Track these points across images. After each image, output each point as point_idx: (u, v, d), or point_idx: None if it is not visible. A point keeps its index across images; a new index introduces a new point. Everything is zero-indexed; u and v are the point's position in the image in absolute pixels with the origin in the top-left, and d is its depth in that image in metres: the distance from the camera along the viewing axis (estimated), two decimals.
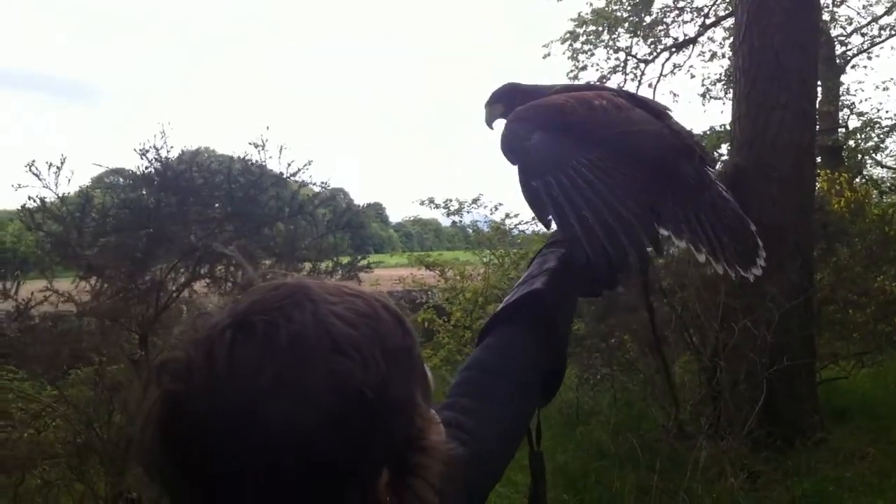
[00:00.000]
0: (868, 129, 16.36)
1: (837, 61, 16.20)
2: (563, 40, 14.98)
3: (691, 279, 6.48)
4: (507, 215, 12.64)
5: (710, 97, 16.23)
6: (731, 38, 9.88)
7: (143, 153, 4.74)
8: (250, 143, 4.98)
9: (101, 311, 4.45)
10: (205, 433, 0.75)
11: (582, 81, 9.89)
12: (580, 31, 14.91)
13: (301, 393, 0.75)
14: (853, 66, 16.60)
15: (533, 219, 12.36)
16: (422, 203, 13.14)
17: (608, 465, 5.90)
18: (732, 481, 5.12)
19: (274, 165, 4.99)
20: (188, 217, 4.75)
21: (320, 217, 5.31)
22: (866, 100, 19.16)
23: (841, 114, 16.44)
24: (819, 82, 9.10)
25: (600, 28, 14.86)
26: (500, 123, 1.74)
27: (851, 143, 16.42)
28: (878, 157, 17.08)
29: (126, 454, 4.10)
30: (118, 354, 4.50)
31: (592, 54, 15.04)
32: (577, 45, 15.01)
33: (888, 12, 15.65)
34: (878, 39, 16.16)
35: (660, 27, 15.00)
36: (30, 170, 4.42)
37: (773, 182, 6.42)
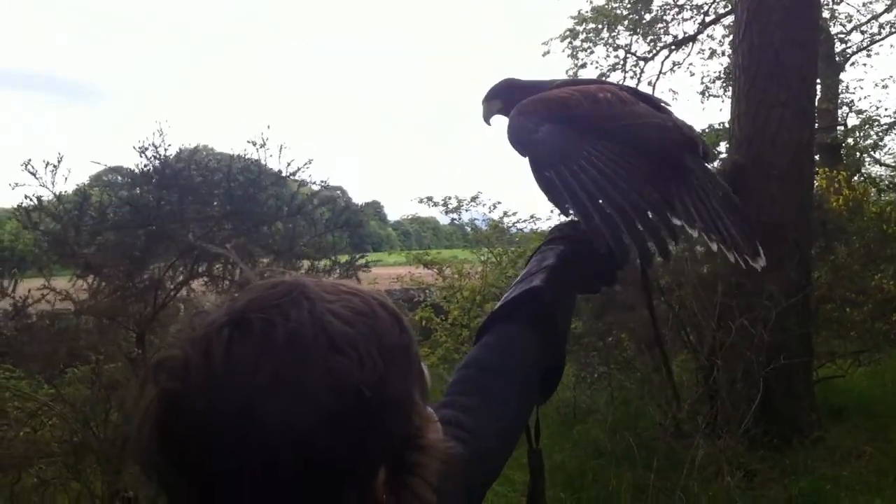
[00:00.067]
0: (867, 126, 16.37)
1: (837, 59, 16.21)
2: (563, 38, 14.99)
3: (688, 277, 6.48)
4: (506, 213, 12.65)
5: (710, 95, 16.25)
6: (731, 36, 9.89)
7: (143, 150, 4.74)
8: (249, 142, 4.98)
9: (98, 310, 4.45)
10: (202, 431, 0.75)
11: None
12: (580, 28, 14.92)
13: (299, 391, 0.75)
14: (852, 64, 16.62)
15: (532, 217, 12.41)
16: (420, 201, 13.14)
17: (605, 463, 5.90)
18: (729, 480, 5.13)
19: (274, 164, 5.00)
20: (186, 215, 4.74)
21: (319, 216, 5.31)
22: (865, 97, 19.16)
23: (840, 111, 16.46)
24: (818, 80, 9.10)
25: (600, 26, 14.87)
26: (498, 119, 1.74)
27: (850, 140, 16.43)
28: (877, 155, 17.09)
29: (123, 453, 4.10)
30: (115, 353, 4.50)
31: (592, 52, 15.07)
32: (577, 42, 15.03)
33: (888, 10, 15.67)
34: (877, 37, 16.18)
35: (659, 25, 15.02)
36: (26, 168, 4.41)
37: (772, 180, 6.42)
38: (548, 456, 1.41)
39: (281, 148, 4.98)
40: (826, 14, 15.13)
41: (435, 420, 0.92)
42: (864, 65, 16.49)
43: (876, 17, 15.96)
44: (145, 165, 4.81)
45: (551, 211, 11.07)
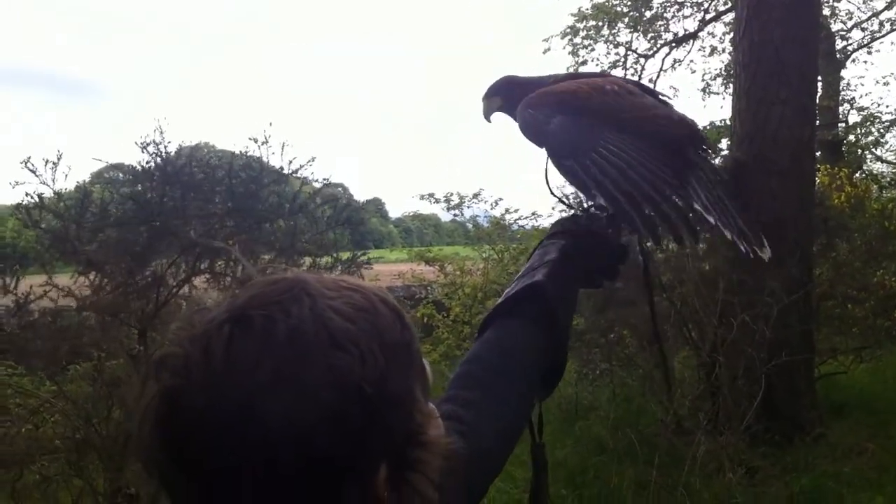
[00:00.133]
0: (868, 123, 16.34)
1: (837, 56, 16.18)
2: (564, 35, 14.98)
3: (690, 274, 6.48)
4: (507, 210, 12.65)
5: (710, 92, 16.23)
6: (732, 34, 9.88)
7: (145, 146, 4.75)
8: (251, 139, 4.99)
9: (100, 306, 4.46)
10: (202, 428, 0.75)
11: None
12: (580, 26, 14.91)
13: (300, 388, 0.75)
14: (853, 61, 16.58)
15: (533, 214, 12.42)
16: (422, 198, 13.14)
17: (607, 460, 5.90)
18: (731, 476, 5.12)
19: (276, 162, 5.01)
20: (188, 212, 4.75)
21: (320, 214, 5.32)
22: (866, 95, 19.15)
23: (841, 109, 16.43)
24: (819, 77, 9.09)
25: (600, 23, 14.86)
26: (498, 116, 1.74)
27: (851, 137, 16.40)
28: (878, 152, 17.05)
29: (125, 450, 4.11)
30: (117, 350, 4.50)
31: (592, 49, 15.06)
32: (578, 40, 15.01)
33: (888, 7, 15.63)
34: (878, 34, 16.15)
35: (660, 22, 15.01)
36: (26, 166, 4.42)
37: (773, 177, 6.41)
38: (549, 452, 1.41)
39: (283, 145, 4.99)
40: (826, 11, 15.11)
41: (436, 416, 0.92)
42: (865, 62, 16.45)
43: (876, 15, 15.94)
44: (147, 162, 4.81)
45: (552, 208, 11.08)
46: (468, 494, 1.10)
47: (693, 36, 14.93)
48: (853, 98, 16.61)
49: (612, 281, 1.55)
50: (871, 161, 17.04)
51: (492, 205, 12.79)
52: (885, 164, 17.15)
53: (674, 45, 14.97)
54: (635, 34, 15.08)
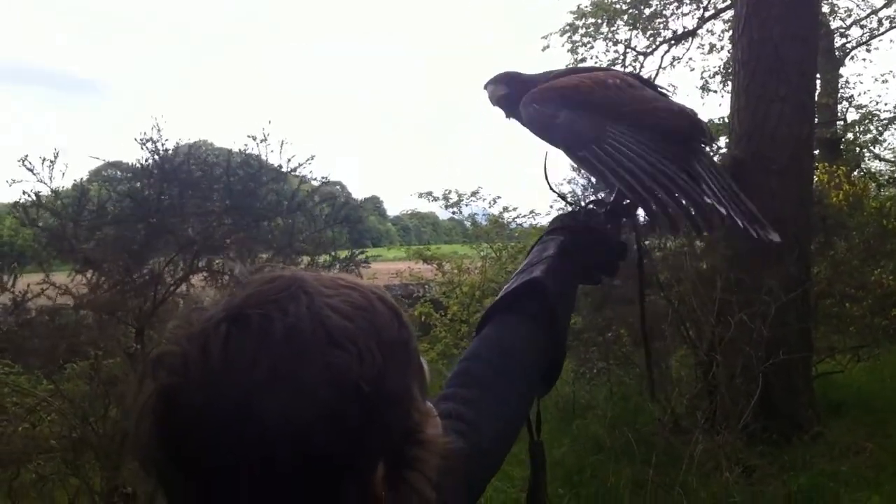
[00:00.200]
0: (867, 121, 16.36)
1: (836, 54, 16.20)
2: (563, 33, 14.99)
3: (687, 273, 6.48)
4: (506, 209, 12.64)
5: (709, 90, 16.24)
6: (731, 31, 9.88)
7: (144, 143, 4.74)
8: (249, 136, 4.98)
9: (97, 305, 4.44)
10: (199, 427, 0.74)
11: None
12: (579, 23, 14.91)
13: (297, 386, 0.74)
14: (852, 59, 16.61)
15: (532, 212, 12.42)
16: (420, 196, 13.13)
17: (604, 459, 5.91)
18: (728, 475, 5.13)
19: (274, 160, 5.00)
20: (186, 210, 4.74)
21: (318, 212, 5.31)
22: (865, 92, 19.13)
23: (840, 106, 16.45)
24: (818, 75, 9.10)
25: (599, 20, 14.87)
26: (499, 113, 1.73)
27: (850, 135, 16.42)
28: (877, 150, 17.08)
29: (122, 448, 4.10)
30: (115, 348, 4.50)
31: (592, 47, 15.09)
32: (577, 37, 15.02)
33: (887, 4, 15.65)
34: (877, 32, 16.17)
35: (659, 19, 15.03)
36: (23, 164, 4.41)
37: (771, 175, 6.42)
38: (547, 451, 1.41)
39: (282, 143, 4.99)
40: (826, 9, 15.13)
41: (434, 415, 0.91)
42: (864, 60, 16.48)
43: (875, 12, 15.96)
44: (146, 160, 4.81)
45: (550, 206, 11.09)
46: (467, 493, 1.09)
47: (692, 33, 14.95)
48: (852, 96, 16.64)
49: (612, 277, 1.55)
50: (869, 159, 17.09)
51: (490, 203, 12.80)
52: (883, 163, 17.20)
53: (673, 42, 15.00)
54: (634, 32, 15.12)
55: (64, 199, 4.66)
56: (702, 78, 16.33)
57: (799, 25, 6.64)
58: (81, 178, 5.63)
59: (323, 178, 5.36)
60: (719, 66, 15.95)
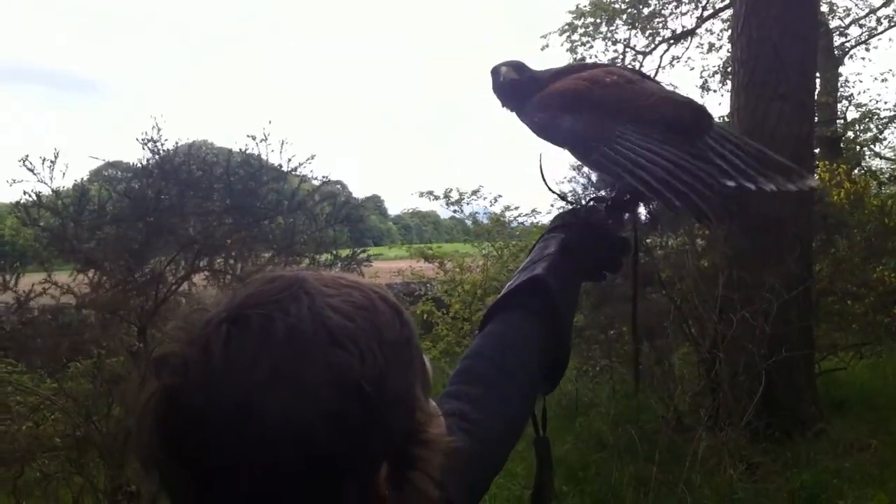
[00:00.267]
0: (866, 120, 16.38)
1: (836, 52, 16.20)
2: (562, 32, 14.97)
3: (689, 271, 6.48)
4: (507, 208, 12.65)
5: (708, 89, 16.24)
6: (730, 30, 9.88)
7: (146, 143, 4.75)
8: (249, 136, 4.98)
9: (99, 304, 4.45)
10: (200, 427, 0.74)
11: None
12: (578, 23, 14.90)
13: (299, 386, 0.74)
14: (851, 58, 16.62)
15: (533, 211, 12.42)
16: (421, 195, 13.15)
17: (607, 456, 5.91)
18: (731, 473, 5.13)
19: (275, 159, 5.00)
20: (187, 209, 4.74)
21: (319, 211, 5.31)
22: (865, 91, 19.16)
23: (839, 105, 16.45)
24: (817, 74, 9.09)
25: (598, 20, 14.86)
26: (503, 111, 1.73)
27: (850, 134, 16.42)
28: (877, 149, 17.09)
29: (125, 447, 4.11)
30: (117, 347, 4.51)
31: (591, 46, 15.08)
32: (576, 37, 15.01)
33: (886, 4, 15.66)
34: (876, 31, 16.17)
35: (658, 19, 15.01)
36: (24, 164, 4.42)
37: None
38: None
39: (282, 143, 4.99)
40: (825, 7, 15.14)
41: (438, 414, 0.91)
42: (863, 58, 16.50)
43: (874, 11, 15.96)
44: (148, 159, 4.82)
45: (551, 205, 11.09)
46: (470, 492, 1.09)
47: (691, 33, 14.94)
48: (851, 94, 16.65)
49: (615, 273, 1.54)
50: (869, 157, 17.09)
51: (491, 201, 12.81)
52: (883, 161, 17.20)
53: (672, 41, 14.99)
54: (633, 31, 15.12)
55: (64, 199, 4.67)
56: (701, 77, 16.37)
57: (798, 24, 6.62)
58: (82, 178, 5.65)
59: (323, 177, 5.37)
60: (718, 66, 15.98)
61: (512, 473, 5.26)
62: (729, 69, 10.93)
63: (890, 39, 16.20)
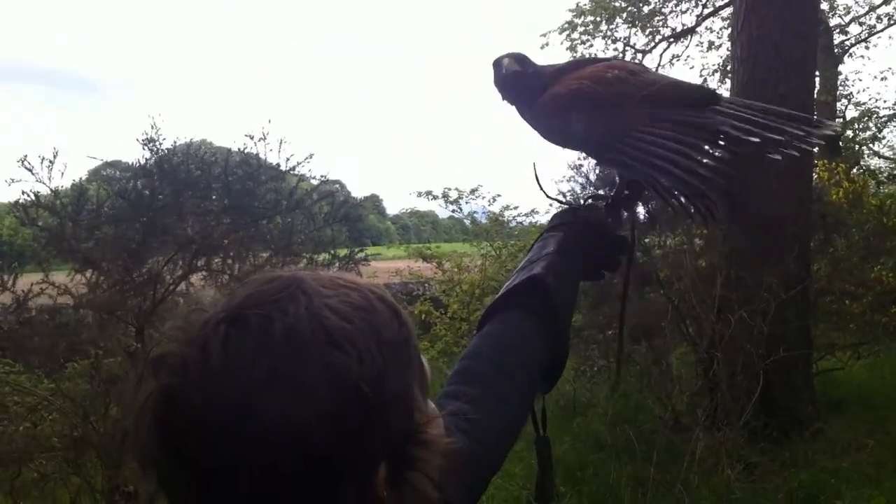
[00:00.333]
0: (866, 119, 16.40)
1: (835, 51, 16.21)
2: (562, 31, 14.98)
3: (687, 270, 6.48)
4: (506, 207, 12.65)
5: None
6: (730, 28, 9.89)
7: (146, 143, 4.75)
8: (247, 135, 4.98)
9: (97, 304, 4.45)
10: (199, 427, 0.74)
11: None
12: (578, 21, 14.91)
13: (296, 387, 0.74)
14: (850, 56, 16.63)
15: (532, 211, 12.43)
16: (419, 195, 13.15)
17: (605, 456, 5.91)
18: (729, 472, 5.13)
19: (273, 159, 5.00)
20: (185, 209, 4.74)
21: (317, 210, 5.30)
22: (864, 90, 19.18)
23: (839, 104, 16.47)
24: (817, 72, 9.09)
25: (598, 18, 14.86)
26: (506, 108, 1.72)
27: (849, 133, 16.43)
28: (876, 148, 17.12)
29: (123, 447, 4.11)
30: (115, 347, 4.50)
31: (591, 45, 15.07)
32: (576, 35, 15.02)
33: (886, 2, 15.68)
34: (875, 29, 16.18)
35: (658, 17, 15.02)
36: (23, 164, 4.42)
37: (771, 174, 6.41)
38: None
39: (281, 142, 4.99)
40: (825, 6, 15.15)
41: (436, 415, 0.91)
42: (863, 57, 16.52)
43: (874, 9, 15.98)
44: (147, 159, 4.81)
45: (549, 205, 11.08)
46: (468, 492, 1.09)
47: (691, 31, 14.96)
48: (851, 93, 16.67)
49: (613, 272, 1.54)
50: (868, 156, 17.11)
51: (490, 201, 12.80)
52: (882, 160, 17.22)
53: (672, 40, 15.01)
54: (633, 29, 15.14)
55: (63, 199, 4.66)
56: (701, 75, 16.36)
57: (798, 23, 6.63)
58: (80, 178, 5.65)
59: (322, 176, 5.36)
60: (718, 64, 16.00)
61: (510, 474, 5.25)
62: (729, 67, 10.93)
63: (890, 38, 16.28)
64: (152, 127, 4.79)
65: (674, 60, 15.16)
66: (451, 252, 13.55)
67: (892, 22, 15.92)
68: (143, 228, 4.59)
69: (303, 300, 0.80)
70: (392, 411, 0.81)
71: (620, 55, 14.89)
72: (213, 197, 4.93)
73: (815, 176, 8.53)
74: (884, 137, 16.92)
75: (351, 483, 0.77)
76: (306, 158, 5.08)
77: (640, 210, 1.60)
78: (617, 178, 1.59)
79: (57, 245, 4.52)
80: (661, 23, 15.11)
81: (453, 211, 13.31)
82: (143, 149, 4.79)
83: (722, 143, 1.42)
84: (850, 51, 16.62)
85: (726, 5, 13.38)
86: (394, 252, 16.27)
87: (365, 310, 0.83)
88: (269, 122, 5.00)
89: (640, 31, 15.13)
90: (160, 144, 4.82)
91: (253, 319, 0.78)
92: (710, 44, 15.55)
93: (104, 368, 4.50)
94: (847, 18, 16.36)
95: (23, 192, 4.49)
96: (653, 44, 15.05)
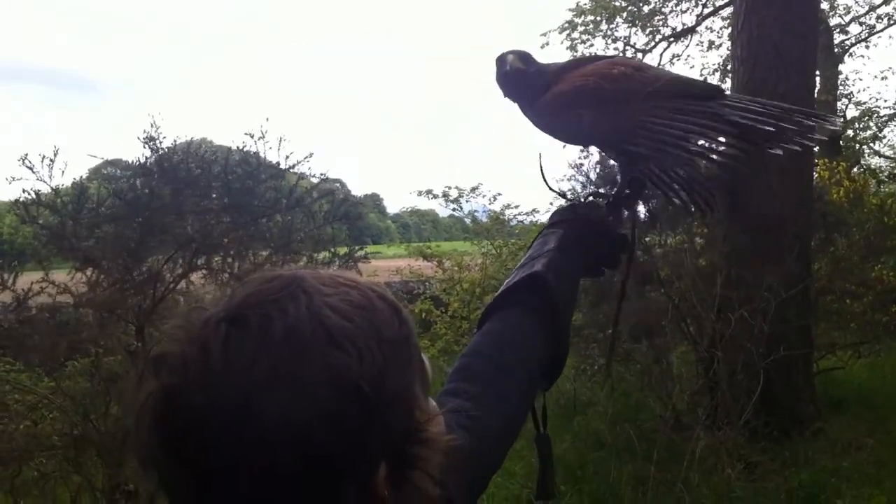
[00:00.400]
0: (866, 118, 16.40)
1: (836, 50, 16.20)
2: (562, 30, 14.98)
3: (687, 269, 6.47)
4: (507, 206, 12.65)
5: None
6: (730, 28, 9.89)
7: (147, 142, 4.75)
8: (247, 134, 4.98)
9: (97, 303, 4.45)
10: (200, 427, 0.74)
11: None
12: (578, 20, 14.91)
13: (297, 386, 0.74)
14: (851, 55, 16.63)
15: (533, 210, 12.42)
16: (420, 194, 13.15)
17: (605, 455, 5.90)
18: (729, 472, 5.13)
19: (273, 157, 5.00)
20: (184, 208, 4.74)
21: (317, 209, 5.30)
22: (864, 89, 19.18)
23: (839, 103, 16.46)
24: (817, 71, 9.08)
25: (598, 18, 14.86)
26: (507, 106, 1.71)
27: (850, 132, 16.43)
28: (877, 147, 17.12)
29: (123, 446, 4.11)
30: (115, 346, 4.50)
31: (591, 44, 15.06)
32: (576, 35, 15.01)
33: (886, 2, 15.66)
34: (876, 29, 16.18)
35: (658, 17, 15.01)
36: (23, 163, 4.42)
37: (771, 173, 6.40)
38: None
39: (280, 140, 4.98)
40: (825, 6, 15.14)
41: (437, 413, 0.91)
42: (863, 56, 16.52)
43: (874, 9, 15.97)
44: (148, 157, 4.81)
45: (550, 203, 11.10)
46: (469, 489, 1.09)
47: (691, 30, 14.96)
48: (851, 93, 16.67)
49: (614, 270, 1.54)
50: (869, 155, 17.12)
51: (490, 199, 12.80)
52: (883, 159, 17.22)
53: (672, 39, 15.00)
54: (633, 29, 15.13)
55: (63, 198, 4.66)
56: (701, 75, 16.30)
57: (798, 22, 6.62)
58: (81, 177, 5.65)
59: (321, 174, 5.36)
60: (718, 63, 16.00)
61: (510, 472, 5.25)
62: (729, 67, 10.94)
63: (890, 37, 16.29)
64: (152, 125, 4.79)
65: (674, 60, 15.17)
66: (452, 251, 13.55)
67: (892, 22, 15.92)
68: (142, 227, 4.59)
69: (303, 299, 0.80)
70: (393, 410, 0.80)
71: (621, 54, 14.90)
72: (213, 195, 4.93)
73: (816, 175, 8.52)
74: (884, 137, 16.95)
75: (351, 483, 0.77)
76: (306, 157, 5.09)
77: (641, 209, 1.60)
78: (618, 177, 1.59)
79: (57, 243, 4.52)
80: (661, 22, 15.12)
81: (454, 210, 13.32)
82: (144, 147, 4.80)
83: (736, 131, 1.43)
84: (851, 50, 16.62)
85: (726, 5, 13.38)
86: (394, 251, 16.25)
87: (365, 308, 0.83)
88: (268, 120, 5.00)
89: (640, 30, 15.13)
90: (160, 143, 4.82)
91: (253, 319, 0.78)
92: (711, 43, 15.57)
93: (104, 367, 4.50)
94: (847, 18, 16.39)
95: (23, 191, 4.50)
96: (653, 43, 15.06)
